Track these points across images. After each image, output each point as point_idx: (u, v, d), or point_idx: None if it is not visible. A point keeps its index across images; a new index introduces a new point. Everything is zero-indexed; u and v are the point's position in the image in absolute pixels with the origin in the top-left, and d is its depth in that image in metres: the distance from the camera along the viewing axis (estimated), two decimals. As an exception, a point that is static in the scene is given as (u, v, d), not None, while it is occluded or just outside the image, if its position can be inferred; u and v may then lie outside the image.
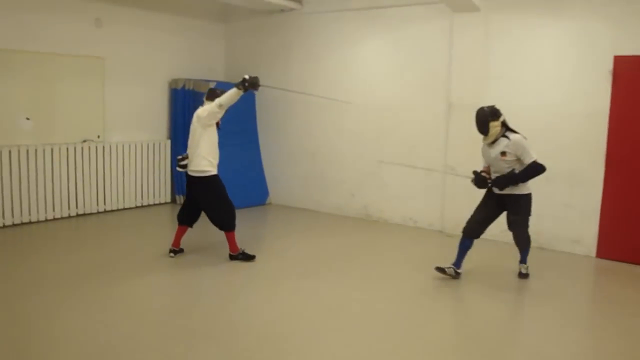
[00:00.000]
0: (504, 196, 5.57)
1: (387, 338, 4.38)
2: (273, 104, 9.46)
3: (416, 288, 5.56)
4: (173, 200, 9.36)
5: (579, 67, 6.81)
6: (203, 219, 6.23)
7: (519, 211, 5.60)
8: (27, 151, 7.47)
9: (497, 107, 5.49)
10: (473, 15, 7.35)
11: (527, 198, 5.56)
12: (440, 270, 5.77)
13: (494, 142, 5.52)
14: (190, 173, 6.01)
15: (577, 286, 5.96)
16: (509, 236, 5.91)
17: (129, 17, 8.56)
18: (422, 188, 8.15)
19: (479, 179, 5.67)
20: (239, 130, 9.14)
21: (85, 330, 4.30)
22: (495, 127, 5.42)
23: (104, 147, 8.32)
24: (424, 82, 8.00)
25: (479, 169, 5.82)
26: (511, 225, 5.73)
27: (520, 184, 5.46)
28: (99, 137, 8.34)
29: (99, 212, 8.29)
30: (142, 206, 8.89)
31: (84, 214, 8.10)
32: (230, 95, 5.73)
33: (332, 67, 8.85)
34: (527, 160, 5.35)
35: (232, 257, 6.19)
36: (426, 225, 8.14)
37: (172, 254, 6.29)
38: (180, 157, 6.14)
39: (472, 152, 7.52)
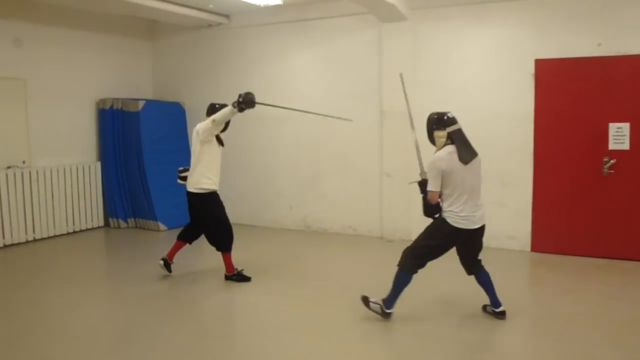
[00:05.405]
0: None
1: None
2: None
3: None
4: (106, 224, 9.02)
5: (504, 72, 7.10)
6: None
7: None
8: (-54, 181, 7.06)
9: (451, 115, 4.72)
10: (401, 24, 7.53)
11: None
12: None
13: None
14: (188, 189, 5.84)
15: (515, 277, 6.15)
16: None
17: (50, 36, 8.23)
18: (359, 196, 8.23)
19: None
20: (170, 149, 8.96)
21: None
22: (440, 137, 4.66)
23: (30, 173, 7.93)
24: (356, 91, 8.11)
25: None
26: None
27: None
28: (24, 162, 7.96)
29: (28, 242, 7.87)
30: (75, 232, 8.51)
31: (12, 245, 7.66)
32: (225, 113, 5.61)
33: (264, 80, 8.75)
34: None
35: (227, 277, 6.00)
36: (366, 232, 8.22)
37: (161, 261, 6.13)
38: (181, 168, 6.00)
39: (407, 158, 7.70)
